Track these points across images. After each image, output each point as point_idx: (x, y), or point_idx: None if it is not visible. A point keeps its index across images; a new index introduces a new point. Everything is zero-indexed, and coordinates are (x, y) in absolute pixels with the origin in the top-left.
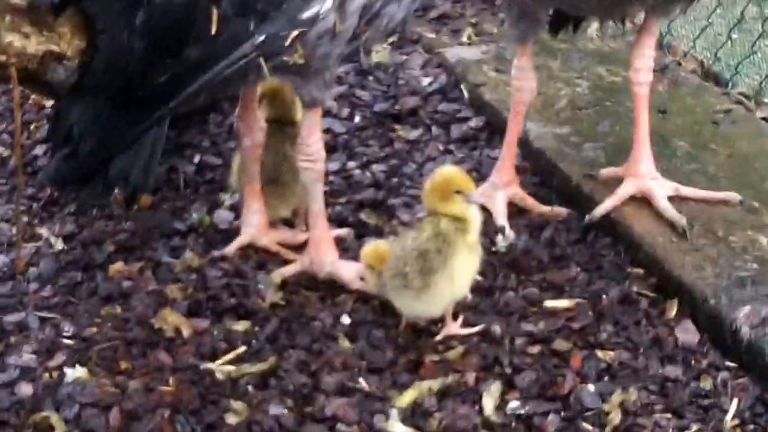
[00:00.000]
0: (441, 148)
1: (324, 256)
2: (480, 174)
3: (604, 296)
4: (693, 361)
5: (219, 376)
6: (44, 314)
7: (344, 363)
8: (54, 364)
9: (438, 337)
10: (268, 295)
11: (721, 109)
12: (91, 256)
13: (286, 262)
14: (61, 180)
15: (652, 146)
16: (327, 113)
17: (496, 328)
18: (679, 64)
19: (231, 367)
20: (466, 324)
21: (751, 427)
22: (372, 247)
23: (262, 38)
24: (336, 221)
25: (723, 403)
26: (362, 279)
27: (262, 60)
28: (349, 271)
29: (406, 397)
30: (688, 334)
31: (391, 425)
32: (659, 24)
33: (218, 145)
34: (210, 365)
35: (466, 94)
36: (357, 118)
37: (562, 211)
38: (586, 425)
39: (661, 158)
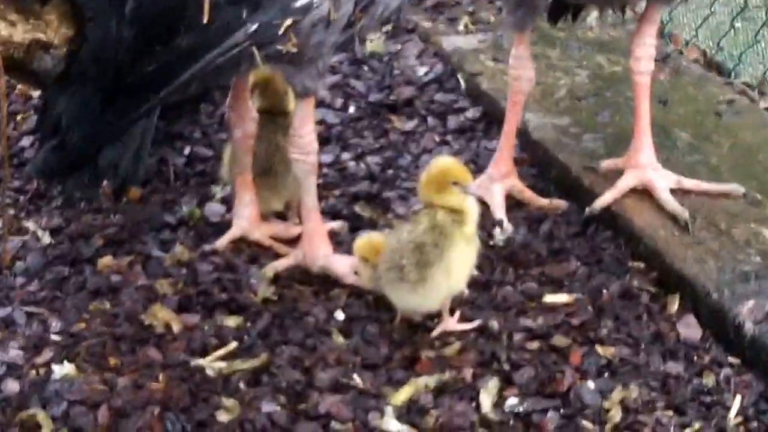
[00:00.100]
0: (437, 139)
1: (317, 249)
2: (477, 166)
3: (604, 291)
4: (695, 357)
5: (210, 372)
6: (31, 309)
7: (338, 359)
8: (41, 360)
9: (434, 333)
10: (260, 290)
11: (723, 100)
12: (79, 250)
13: (278, 255)
14: (49, 172)
15: (653, 137)
16: (320, 104)
17: (494, 324)
18: (681, 53)
19: (222, 364)
20: (463, 319)
21: (755, 424)
22: (366, 239)
23: (254, 27)
24: (329, 214)
25: (726, 399)
26: (356, 273)
27: (255, 49)
28: (343, 265)
29: (402, 394)
30: (690, 329)
31: (386, 423)
32: (660, 12)
33: (209, 136)
34: (201, 361)
35: (462, 83)
36: (351, 109)
37: (561, 203)
38: (585, 423)
39: (662, 149)
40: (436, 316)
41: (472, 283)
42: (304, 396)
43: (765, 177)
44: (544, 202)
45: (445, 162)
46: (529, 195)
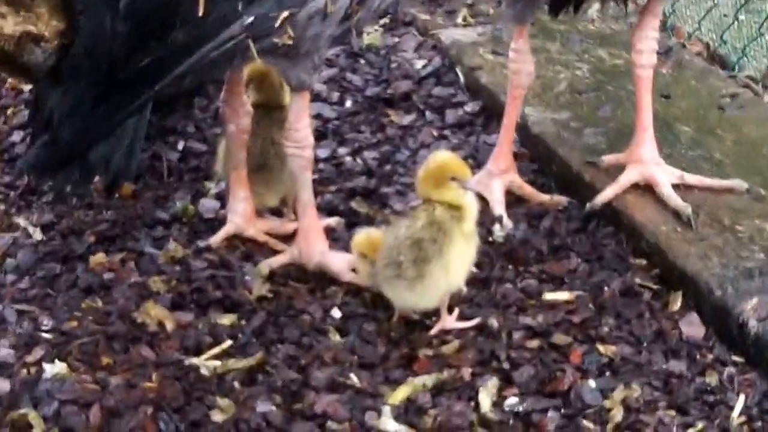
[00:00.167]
0: (435, 133)
1: (313, 246)
2: (476, 161)
3: (605, 288)
4: (698, 356)
5: (204, 371)
6: (22, 307)
7: (334, 358)
8: (32, 359)
9: (432, 331)
10: (255, 288)
11: (727, 93)
12: (70, 246)
13: (273, 252)
14: (40, 167)
15: (655, 132)
16: (316, 98)
17: (493, 322)
18: (684, 46)
19: (216, 363)
20: (461, 317)
21: (759, 424)
22: (364, 235)
23: (250, 19)
24: (326, 210)
25: (729, 399)
26: (353, 270)
27: (251, 42)
28: (339, 262)
29: (399, 394)
30: (692, 327)
31: (383, 423)
32: (663, 4)
33: (203, 131)
34: (194, 360)
35: (461, 77)
36: (348, 103)
37: (561, 199)
38: (586, 423)
39: (665, 144)
40: (434, 314)
41: (471, 281)
42: (300, 395)
43: None
44: (544, 197)
45: (443, 157)
46: (529, 191)
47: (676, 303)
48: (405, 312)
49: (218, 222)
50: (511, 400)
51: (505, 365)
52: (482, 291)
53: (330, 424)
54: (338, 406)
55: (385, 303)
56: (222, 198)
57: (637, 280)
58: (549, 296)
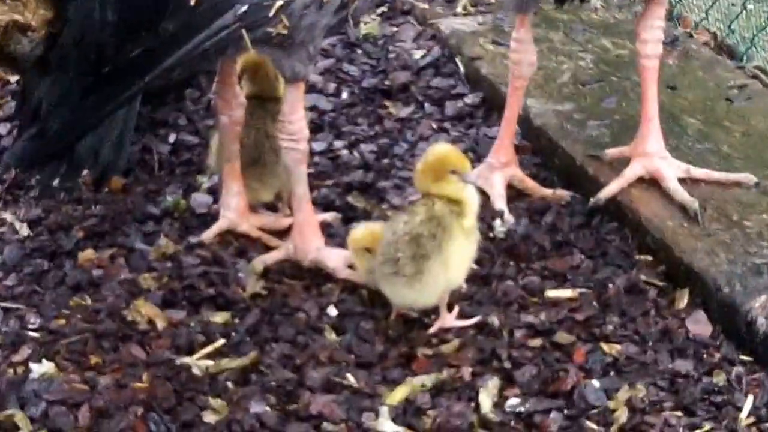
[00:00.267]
0: (434, 126)
1: (309, 242)
2: (476, 154)
3: (609, 285)
4: (705, 355)
5: (196, 371)
6: (8, 305)
7: (330, 357)
8: (19, 358)
9: (431, 330)
10: (248, 285)
11: (735, 84)
12: (58, 242)
13: (268, 248)
14: (27, 161)
15: (661, 124)
16: (312, 89)
17: (494, 320)
18: (691, 35)
19: (209, 362)
20: (461, 315)
21: None
22: (365, 229)
23: (244, 8)
24: (322, 205)
25: (737, 399)
26: (350, 267)
27: (244, 31)
28: (335, 259)
29: (397, 394)
30: (699, 325)
31: (380, 424)
32: None
33: (195, 123)
34: (186, 360)
35: (461, 68)
36: (344, 95)
37: (564, 193)
38: (590, 424)
39: (671, 137)
40: (433, 312)
41: (471, 277)
42: (295, 396)
43: None
44: (546, 192)
45: (442, 150)
46: (530, 185)
47: (683, 300)
48: (403, 310)
49: (211, 217)
50: (513, 401)
51: (507, 365)
52: (483, 288)
53: (326, 425)
54: (334, 407)
55: (382, 301)
56: (215, 192)
57: (643, 277)
58: (551, 294)
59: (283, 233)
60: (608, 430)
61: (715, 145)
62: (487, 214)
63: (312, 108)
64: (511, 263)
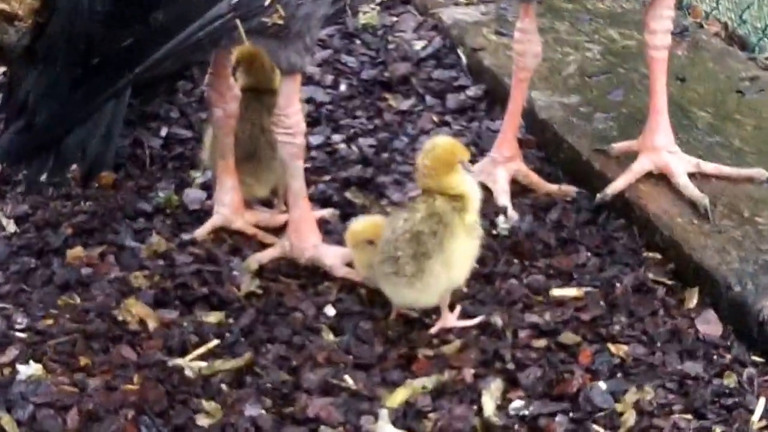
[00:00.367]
0: (435, 119)
1: (305, 239)
2: (479, 148)
3: (616, 284)
4: (715, 356)
5: (189, 373)
6: None
7: (328, 358)
8: (5, 360)
9: (432, 330)
10: (243, 284)
11: (746, 76)
12: (46, 239)
13: (263, 246)
14: (14, 155)
15: (669, 117)
16: (309, 81)
17: (497, 320)
18: (701, 26)
19: (202, 363)
20: (463, 315)
21: None
22: (361, 222)
23: None
24: (319, 201)
25: (749, 402)
26: (348, 265)
27: (238, 22)
28: (333, 257)
29: (397, 397)
30: (709, 325)
31: (380, 427)
32: None
33: (188, 116)
34: (179, 361)
35: (463, 59)
36: (342, 87)
37: (570, 189)
38: (596, 427)
39: (680, 130)
40: (434, 312)
41: (474, 276)
42: (291, 398)
43: None
44: (551, 187)
45: (446, 141)
46: (535, 180)
47: (692, 300)
48: (403, 309)
49: (204, 213)
50: (516, 404)
51: (510, 366)
52: (485, 287)
53: (323, 429)
54: (332, 410)
55: (382, 300)
56: (208, 188)
57: (651, 276)
58: (557, 293)
59: (278, 230)
60: None
61: (725, 138)
62: (490, 210)
63: (309, 100)
64: (515, 261)
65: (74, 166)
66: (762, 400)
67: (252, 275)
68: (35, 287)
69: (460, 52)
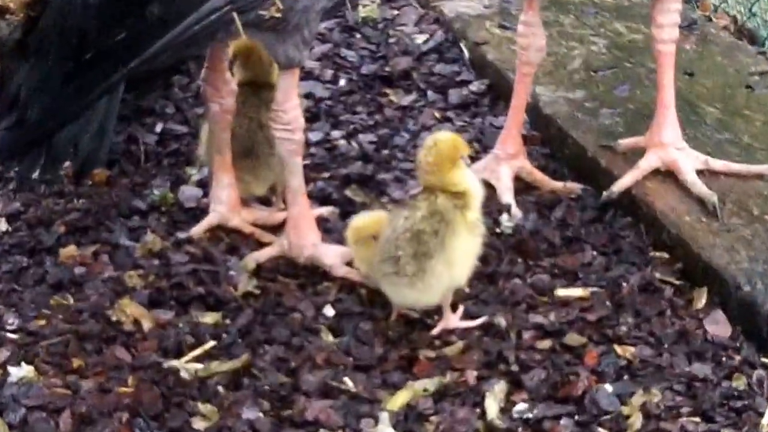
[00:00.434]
0: (437, 115)
1: (304, 238)
2: (482, 144)
3: (623, 284)
4: (724, 358)
5: (184, 375)
6: None
7: (327, 360)
8: None
9: (434, 331)
10: (240, 283)
11: (756, 71)
12: (38, 238)
13: (261, 245)
14: (6, 151)
15: (677, 112)
16: (308, 76)
17: (501, 321)
18: (709, 19)
19: (198, 365)
20: (466, 316)
21: None
22: (363, 218)
23: None
24: (318, 199)
25: (758, 404)
26: (348, 264)
27: (235, 15)
28: (332, 256)
29: (398, 399)
30: (718, 326)
31: (380, 431)
32: None
33: (183, 112)
34: (174, 363)
35: (466, 53)
36: (342, 82)
37: (575, 186)
38: (602, 430)
39: (688, 126)
40: (435, 312)
41: (477, 276)
42: (290, 401)
43: None
44: (556, 185)
45: (447, 136)
46: (539, 177)
47: (701, 300)
48: (404, 310)
49: (200, 211)
50: (520, 406)
51: (514, 368)
52: (489, 287)
53: None
54: (331, 413)
55: (382, 300)
56: (204, 185)
57: (658, 275)
58: (561, 292)
59: (277, 228)
60: None
61: (734, 135)
62: (493, 208)
63: (308, 96)
64: (519, 260)
65: (67, 163)
66: None
67: (249, 275)
68: (27, 287)
69: (462, 46)
